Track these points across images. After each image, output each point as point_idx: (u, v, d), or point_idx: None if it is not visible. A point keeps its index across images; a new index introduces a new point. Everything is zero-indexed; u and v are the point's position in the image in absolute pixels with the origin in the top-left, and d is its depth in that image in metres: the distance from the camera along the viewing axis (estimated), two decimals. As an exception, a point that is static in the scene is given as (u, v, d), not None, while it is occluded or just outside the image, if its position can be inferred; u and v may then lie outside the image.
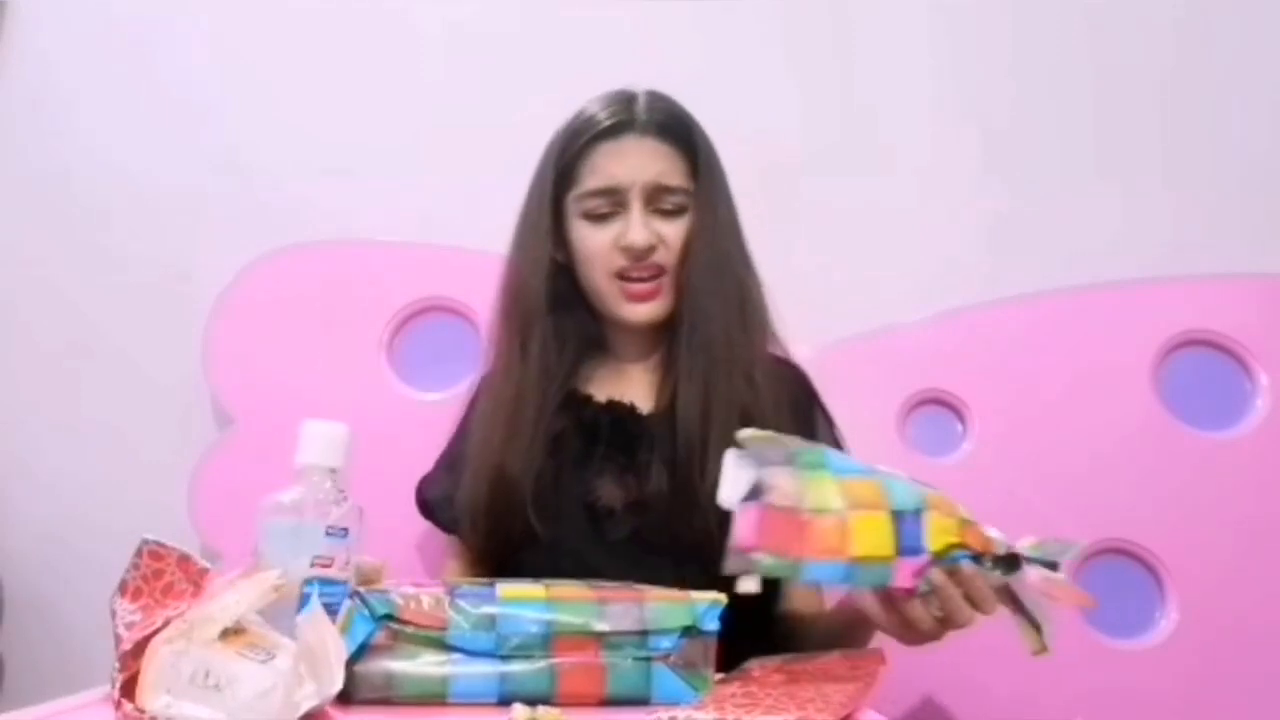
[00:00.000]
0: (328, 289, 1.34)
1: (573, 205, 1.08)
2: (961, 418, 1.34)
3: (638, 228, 1.05)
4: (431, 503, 1.14)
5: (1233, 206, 1.44)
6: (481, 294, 1.33)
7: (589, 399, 1.09)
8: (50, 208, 1.44)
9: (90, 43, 1.46)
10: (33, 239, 1.43)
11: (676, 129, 1.09)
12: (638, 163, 1.06)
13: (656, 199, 1.06)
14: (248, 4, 1.46)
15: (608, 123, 1.07)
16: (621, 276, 1.07)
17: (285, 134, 1.44)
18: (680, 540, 0.98)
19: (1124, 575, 1.31)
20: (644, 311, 1.08)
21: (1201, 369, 1.35)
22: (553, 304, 1.08)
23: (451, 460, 1.14)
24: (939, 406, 1.34)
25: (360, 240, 1.37)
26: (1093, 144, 1.46)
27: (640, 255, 1.05)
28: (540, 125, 1.36)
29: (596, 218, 1.07)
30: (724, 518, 0.96)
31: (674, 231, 1.07)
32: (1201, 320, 1.35)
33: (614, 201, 1.06)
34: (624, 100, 1.09)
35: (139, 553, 0.68)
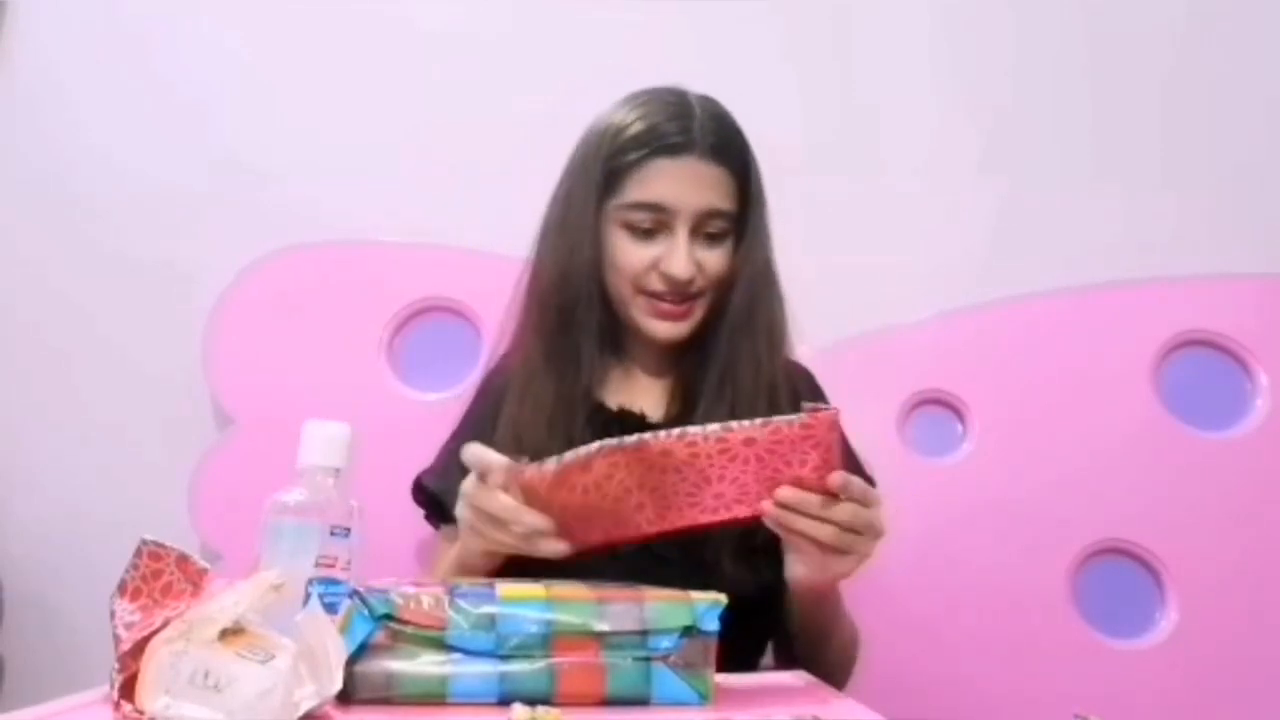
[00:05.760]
0: (328, 289, 1.34)
1: (614, 212, 1.05)
2: (961, 418, 1.34)
3: (681, 259, 1.02)
4: (438, 494, 1.10)
5: (1233, 206, 1.44)
6: (481, 294, 1.33)
7: (601, 405, 1.08)
8: (50, 207, 1.43)
9: (90, 42, 1.46)
10: (33, 239, 1.43)
11: (733, 152, 1.06)
12: (693, 188, 1.03)
13: (704, 225, 1.04)
14: (248, 4, 1.46)
15: (670, 140, 1.03)
16: (651, 294, 1.04)
17: (285, 134, 1.44)
18: (687, 553, 0.98)
19: (1124, 575, 1.31)
20: (668, 330, 1.05)
21: (1201, 369, 1.35)
22: (588, 306, 1.06)
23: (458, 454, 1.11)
24: (939, 406, 1.34)
25: (360, 240, 1.37)
26: (1093, 144, 1.46)
27: (679, 287, 1.03)
28: (540, 125, 1.36)
29: (639, 232, 1.04)
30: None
31: (714, 259, 1.05)
32: (1201, 320, 1.35)
33: (659, 220, 1.03)
34: (684, 114, 1.05)
35: (138, 553, 0.68)
